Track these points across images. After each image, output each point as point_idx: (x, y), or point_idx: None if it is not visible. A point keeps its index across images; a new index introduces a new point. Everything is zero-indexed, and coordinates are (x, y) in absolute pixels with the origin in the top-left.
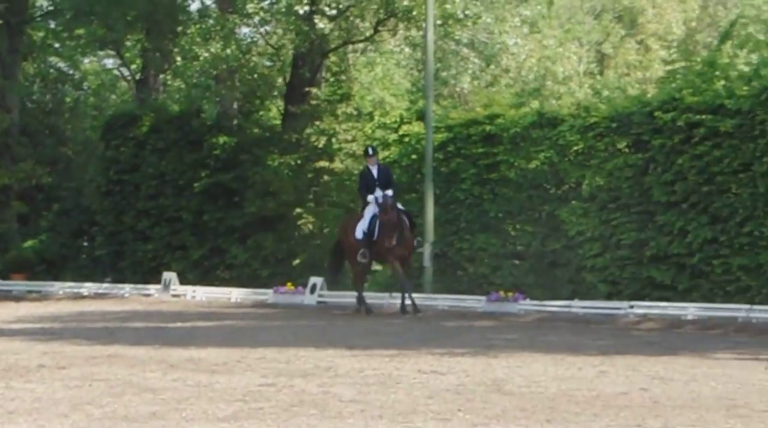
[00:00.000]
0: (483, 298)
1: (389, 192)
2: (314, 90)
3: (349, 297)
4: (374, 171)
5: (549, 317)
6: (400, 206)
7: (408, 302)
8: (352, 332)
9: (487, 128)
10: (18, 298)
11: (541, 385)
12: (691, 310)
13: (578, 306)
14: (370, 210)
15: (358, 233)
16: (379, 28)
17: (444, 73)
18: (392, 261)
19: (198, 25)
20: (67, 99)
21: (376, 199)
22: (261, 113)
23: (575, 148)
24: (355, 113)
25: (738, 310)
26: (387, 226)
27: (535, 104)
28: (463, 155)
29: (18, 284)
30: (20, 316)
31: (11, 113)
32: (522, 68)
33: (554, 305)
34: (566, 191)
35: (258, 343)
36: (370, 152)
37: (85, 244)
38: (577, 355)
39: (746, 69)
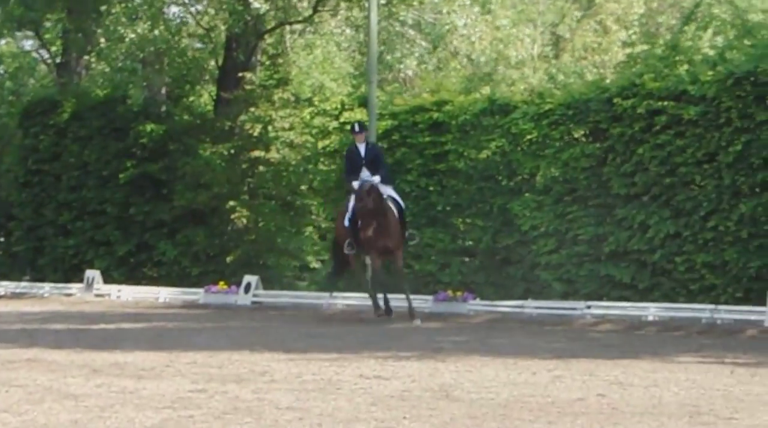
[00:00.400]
0: (430, 298)
1: (376, 178)
2: (249, 74)
3: (285, 297)
4: (362, 150)
5: (501, 318)
6: (390, 191)
7: (400, 304)
8: (290, 334)
9: (435, 115)
10: None
11: (492, 391)
12: (652, 310)
13: (532, 306)
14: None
15: (345, 221)
16: (319, 8)
17: (388, 57)
18: (373, 254)
19: (123, 4)
20: None
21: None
22: (191, 98)
23: (529, 137)
24: (292, 98)
25: (702, 310)
26: (362, 214)
27: (486, 90)
28: (408, 144)
29: None
30: None
31: None
32: (472, 52)
33: (506, 306)
34: (519, 182)
35: (188, 346)
36: (357, 128)
37: (1, 239)
38: (531, 359)
39: (711, 53)
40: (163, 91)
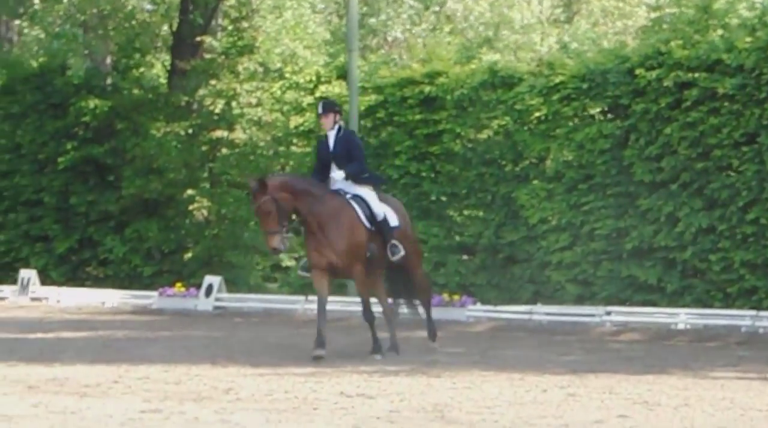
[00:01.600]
0: None
1: (338, 174)
2: (208, 40)
3: (252, 301)
4: (331, 139)
5: (505, 327)
6: (361, 190)
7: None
8: (258, 345)
9: (427, 89)
10: None
11: (495, 411)
12: (682, 317)
13: (541, 313)
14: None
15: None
16: None
17: (372, 20)
18: (315, 275)
19: None
20: None
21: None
22: (141, 69)
23: (537, 114)
24: (260, 69)
25: (741, 317)
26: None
27: (486, 59)
28: (396, 122)
29: None
30: None
31: None
32: (470, 14)
33: (511, 312)
34: (526, 168)
35: (140, 359)
36: (321, 109)
37: None
38: (540, 374)
39: (749, 15)
40: (108, 60)
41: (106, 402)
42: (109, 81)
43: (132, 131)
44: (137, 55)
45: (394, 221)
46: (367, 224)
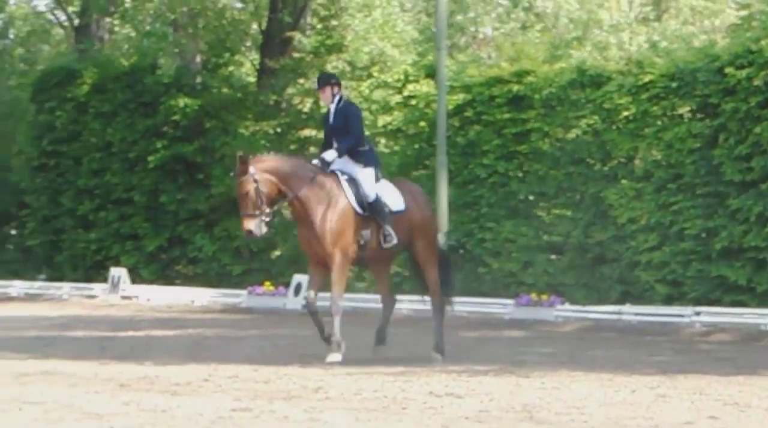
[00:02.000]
0: (511, 302)
1: (330, 154)
2: (297, 38)
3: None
4: (331, 114)
5: (593, 327)
6: (354, 170)
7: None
8: (349, 343)
9: (515, 87)
10: None
11: (584, 412)
12: None
13: (630, 313)
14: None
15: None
16: None
17: (460, 18)
18: (309, 269)
19: None
20: None
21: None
22: (231, 68)
23: (625, 113)
24: (348, 68)
25: None
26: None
27: (575, 58)
28: (484, 121)
29: None
30: None
31: None
32: (559, 13)
33: (600, 312)
34: (614, 167)
35: (229, 358)
36: (317, 84)
37: (13, 232)
38: (630, 374)
39: None
40: (198, 59)
41: (197, 401)
42: (198, 80)
43: (221, 129)
44: (227, 54)
45: (395, 204)
46: (358, 208)
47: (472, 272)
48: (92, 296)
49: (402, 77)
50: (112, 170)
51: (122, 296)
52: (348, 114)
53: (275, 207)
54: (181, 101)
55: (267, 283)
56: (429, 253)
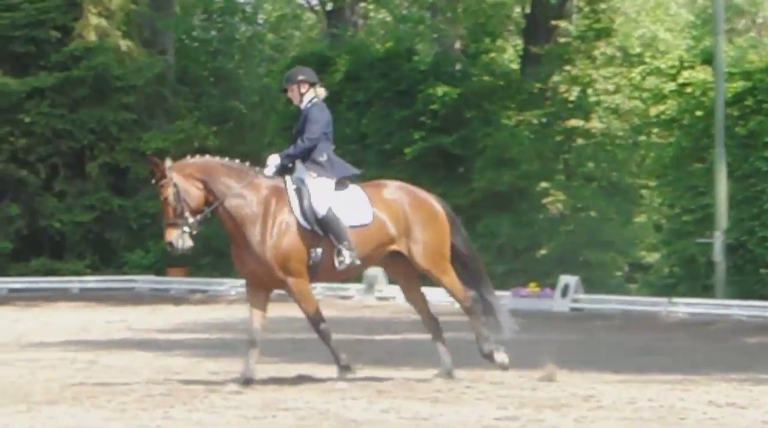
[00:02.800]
0: None
1: (273, 158)
2: (563, 24)
3: (612, 303)
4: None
5: None
6: (305, 176)
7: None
8: (619, 349)
9: None
10: (178, 299)
11: None
12: None
13: None
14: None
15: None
16: None
17: (739, 0)
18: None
19: None
20: (238, 36)
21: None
22: (492, 54)
23: None
24: (618, 54)
25: None
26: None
27: None
28: (765, 111)
29: (177, 282)
30: (181, 323)
31: (165, 54)
32: None
33: None
34: None
35: (492, 363)
36: (284, 83)
37: None
38: None
39: None
40: (458, 45)
41: (459, 409)
42: (458, 67)
43: (482, 119)
44: (488, 39)
45: (358, 217)
46: (304, 223)
47: (753, 273)
48: (347, 297)
49: (676, 63)
50: (368, 163)
51: (378, 297)
52: (307, 116)
53: (203, 215)
54: (440, 90)
55: (532, 284)
56: (432, 259)
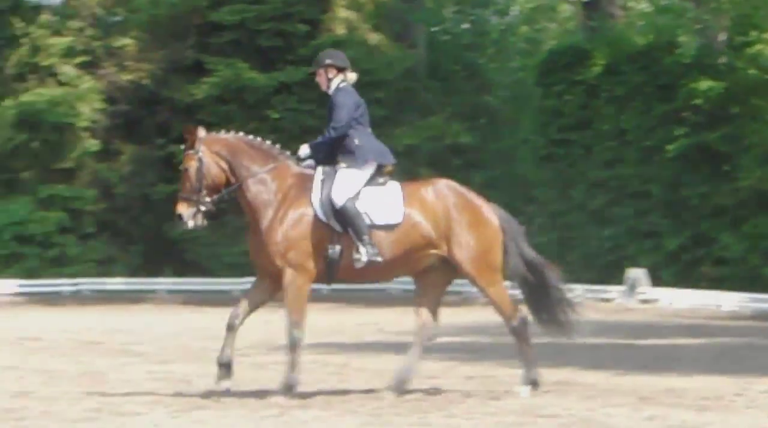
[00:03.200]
0: None
1: (302, 147)
2: None
3: None
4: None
5: None
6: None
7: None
8: None
9: None
10: None
11: None
12: None
13: None
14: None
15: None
16: None
17: None
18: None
19: None
20: (490, 29)
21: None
22: (758, 47)
23: None
24: None
25: None
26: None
27: None
28: None
29: None
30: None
31: (416, 48)
32: None
33: None
34: None
35: (764, 370)
36: (312, 67)
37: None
38: None
39: None
40: (723, 37)
41: (728, 417)
42: (723, 60)
43: (749, 115)
44: (754, 32)
45: (385, 216)
46: (321, 215)
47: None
48: (608, 300)
49: None
50: (627, 161)
51: (641, 299)
52: (332, 102)
53: (220, 196)
54: (704, 84)
55: None
56: (477, 265)
